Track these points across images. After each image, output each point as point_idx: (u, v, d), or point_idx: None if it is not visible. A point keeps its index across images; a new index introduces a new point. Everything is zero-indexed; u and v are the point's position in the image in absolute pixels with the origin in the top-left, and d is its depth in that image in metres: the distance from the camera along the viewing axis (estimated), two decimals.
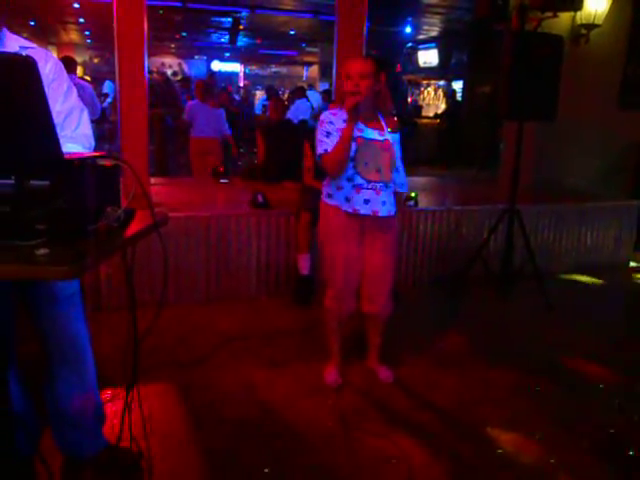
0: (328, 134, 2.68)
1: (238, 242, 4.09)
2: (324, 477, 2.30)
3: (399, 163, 2.84)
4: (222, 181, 5.55)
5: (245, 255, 4.13)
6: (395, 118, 2.88)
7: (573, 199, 5.32)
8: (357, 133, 2.64)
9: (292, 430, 2.59)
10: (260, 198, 4.22)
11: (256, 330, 3.65)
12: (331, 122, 2.71)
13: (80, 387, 2.08)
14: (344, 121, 2.67)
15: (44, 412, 2.12)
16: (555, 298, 4.23)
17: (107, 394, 2.67)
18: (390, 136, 2.75)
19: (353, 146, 2.63)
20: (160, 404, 2.71)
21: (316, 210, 3.76)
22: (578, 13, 5.52)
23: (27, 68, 1.11)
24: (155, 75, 11.71)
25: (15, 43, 1.78)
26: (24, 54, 1.14)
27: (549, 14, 5.24)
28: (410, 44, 14.20)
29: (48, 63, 1.81)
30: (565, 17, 5.50)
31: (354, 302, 2.88)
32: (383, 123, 2.76)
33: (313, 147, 4.19)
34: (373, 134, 2.70)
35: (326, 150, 2.66)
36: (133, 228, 1.41)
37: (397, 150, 2.81)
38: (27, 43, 1.83)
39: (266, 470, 2.28)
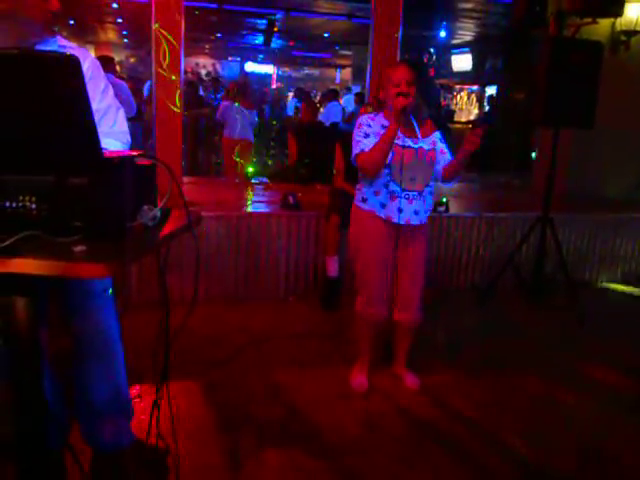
0: (366, 135, 2.68)
1: (268, 243, 4.10)
2: None
3: (446, 153, 2.80)
4: (254, 181, 5.58)
5: (274, 256, 4.14)
6: (429, 121, 2.85)
7: (608, 209, 5.21)
8: (396, 141, 2.62)
9: (317, 433, 2.58)
10: (291, 199, 4.23)
11: (283, 331, 3.66)
12: (369, 125, 2.70)
13: (110, 382, 2.11)
14: (382, 127, 2.66)
15: (73, 406, 2.15)
16: (587, 308, 4.15)
17: (135, 390, 2.70)
18: (423, 143, 2.72)
19: (390, 154, 2.62)
20: (187, 402, 2.73)
21: (345, 213, 3.75)
22: (618, 19, 5.42)
23: (71, 66, 1.13)
24: (189, 75, 11.84)
25: (55, 43, 1.81)
26: (67, 53, 1.15)
27: (588, 20, 5.16)
28: (444, 48, 14.10)
29: (86, 62, 1.84)
30: (605, 23, 5.40)
31: (385, 308, 2.86)
32: (417, 131, 2.73)
33: (344, 149, 4.21)
34: (408, 142, 2.68)
35: (363, 150, 2.65)
36: (168, 227, 1.42)
37: (438, 146, 2.77)
38: (66, 42, 1.86)
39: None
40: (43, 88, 1.19)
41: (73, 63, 1.13)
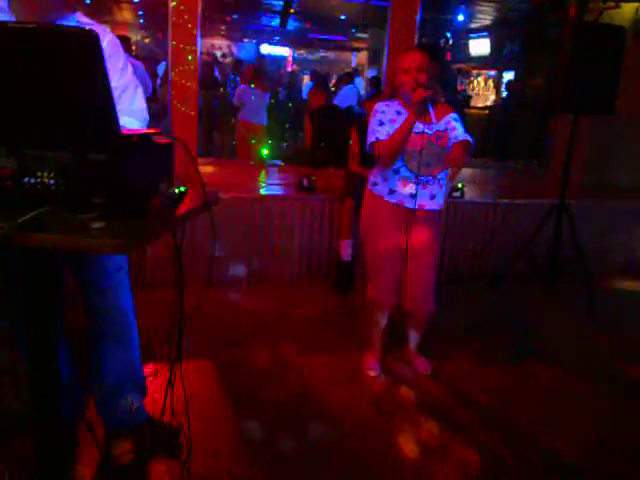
0: (381, 123, 2.63)
1: (282, 225, 4.10)
2: (359, 463, 2.30)
3: (462, 131, 2.66)
4: (271, 163, 5.56)
5: (288, 238, 4.14)
6: (445, 105, 2.78)
7: (626, 197, 5.14)
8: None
9: (328, 415, 2.59)
10: (306, 182, 4.22)
11: (296, 314, 3.66)
12: (384, 112, 2.66)
13: (124, 360, 2.13)
14: (397, 112, 2.63)
15: (88, 382, 2.17)
16: (602, 299, 4.11)
17: (149, 368, 2.72)
18: (438, 126, 2.66)
19: None
20: (199, 382, 2.75)
21: (360, 196, 3.73)
22: None
23: (90, 42, 1.12)
24: (205, 57, 11.77)
25: (75, 19, 1.80)
26: (87, 28, 1.15)
27: (611, 4, 5.06)
28: (461, 32, 13.92)
29: (105, 39, 1.83)
30: (628, 8, 5.29)
31: (396, 295, 2.83)
32: (432, 116, 2.66)
33: (359, 133, 4.18)
34: (423, 128, 2.62)
35: (378, 138, 2.61)
36: (185, 207, 1.42)
37: (454, 126, 2.65)
38: (87, 20, 1.86)
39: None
40: (62, 63, 1.18)
41: (92, 38, 1.12)
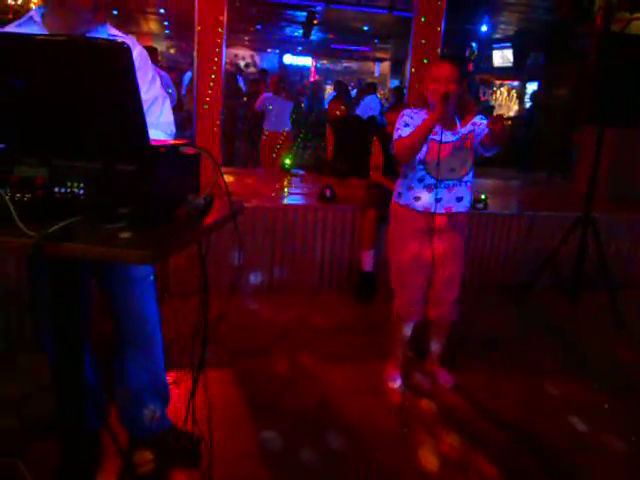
0: (406, 125, 2.64)
1: (304, 235, 4.11)
2: (379, 474, 2.28)
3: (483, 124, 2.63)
4: (294, 172, 5.58)
5: (310, 248, 4.14)
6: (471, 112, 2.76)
7: None
8: (433, 136, 2.57)
9: (349, 425, 2.58)
10: (328, 192, 4.22)
11: (317, 324, 3.66)
12: (411, 117, 2.67)
13: (148, 367, 2.14)
14: (423, 121, 2.63)
15: (111, 389, 2.19)
16: (628, 312, 4.04)
17: (171, 376, 2.73)
18: (465, 129, 2.65)
19: (424, 148, 2.57)
20: (220, 391, 2.76)
21: (381, 207, 3.73)
22: None
23: (122, 54, 1.14)
24: (228, 67, 11.89)
25: (106, 32, 1.84)
26: (119, 40, 1.16)
27: (638, 15, 5.01)
28: (484, 43, 13.88)
29: (134, 52, 1.86)
30: None
31: (422, 308, 2.82)
32: (458, 124, 2.67)
33: (382, 143, 4.19)
34: (448, 137, 2.63)
35: (400, 136, 2.62)
36: (211, 217, 1.43)
37: (479, 129, 2.62)
38: (116, 32, 1.89)
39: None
40: (94, 75, 1.20)
41: (124, 50, 1.14)
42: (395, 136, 2.66)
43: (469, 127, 2.67)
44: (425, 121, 2.53)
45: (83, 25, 1.75)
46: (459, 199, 2.69)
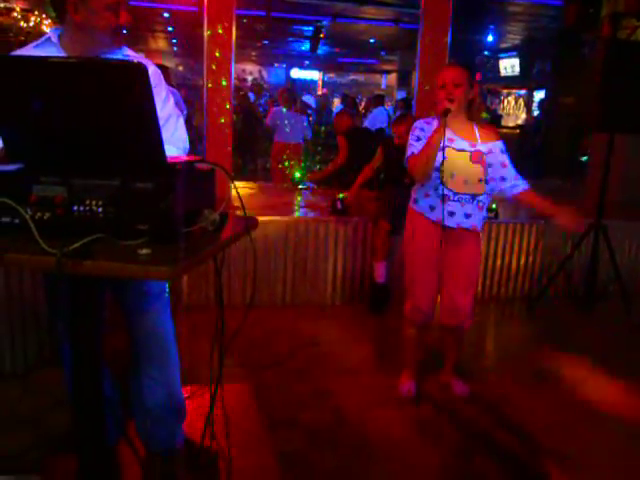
0: (418, 139, 2.65)
1: (316, 247, 4.12)
2: None
3: (509, 167, 2.72)
4: (306, 185, 5.60)
5: (322, 261, 4.16)
6: (490, 126, 2.78)
7: None
8: (447, 143, 2.56)
9: (365, 439, 2.57)
10: (339, 204, 4.24)
11: (331, 336, 3.66)
12: (422, 129, 2.68)
13: (164, 382, 2.15)
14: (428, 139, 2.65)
15: (128, 404, 2.20)
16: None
17: (187, 391, 2.74)
18: (483, 147, 2.65)
19: (440, 156, 2.55)
20: (236, 405, 2.76)
21: (394, 219, 3.75)
22: None
23: (139, 74, 1.17)
24: (237, 82, 12.02)
25: (120, 52, 1.87)
26: (136, 61, 1.19)
27: None
28: (491, 52, 13.92)
29: (149, 70, 1.89)
30: None
31: (433, 313, 2.82)
32: (476, 134, 2.68)
33: (385, 153, 4.23)
34: (463, 144, 2.63)
35: (413, 152, 2.63)
36: (227, 231, 1.45)
37: (499, 158, 2.68)
38: (131, 52, 1.92)
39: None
40: (111, 95, 1.23)
41: (141, 71, 1.17)
42: (408, 152, 2.67)
43: (487, 148, 2.67)
44: (429, 140, 2.54)
45: (100, 47, 1.78)
46: (467, 215, 2.67)
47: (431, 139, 2.54)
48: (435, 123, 2.66)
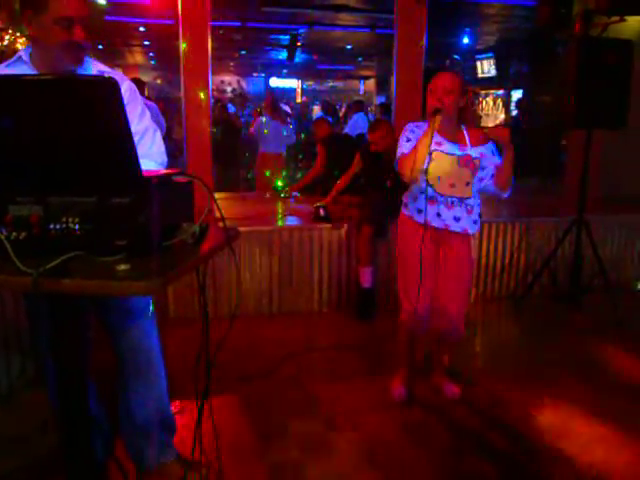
0: (408, 140, 2.66)
1: (301, 255, 4.12)
2: None
3: (490, 171, 2.69)
4: (285, 195, 5.60)
5: (307, 268, 4.15)
6: (479, 130, 2.78)
7: None
8: (435, 147, 2.58)
9: (358, 444, 2.56)
10: (322, 212, 4.25)
11: (319, 344, 3.66)
12: (412, 131, 2.69)
13: (152, 399, 2.13)
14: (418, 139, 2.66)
15: (116, 422, 2.18)
16: (626, 312, 4.04)
17: (176, 405, 2.72)
18: (474, 151, 2.65)
19: (427, 159, 2.54)
20: (226, 417, 2.74)
21: (377, 223, 3.76)
22: None
23: (110, 89, 1.16)
24: (215, 93, 12.03)
25: (94, 68, 1.86)
26: (106, 76, 1.18)
27: (615, 18, 5.07)
28: (467, 54, 14.04)
29: (123, 86, 1.88)
30: (633, 20, 5.30)
31: (427, 316, 2.81)
32: (466, 138, 2.68)
33: (363, 160, 4.26)
34: (453, 149, 2.64)
35: (403, 153, 2.64)
36: (207, 244, 1.44)
37: (490, 160, 2.67)
38: (105, 68, 1.91)
39: None
40: (83, 111, 1.22)
41: (112, 85, 1.16)
42: (398, 153, 2.68)
43: (477, 152, 2.67)
44: (419, 140, 2.55)
45: (62, 63, 1.76)
46: (457, 219, 2.68)
47: (419, 140, 2.55)
48: (425, 126, 2.68)
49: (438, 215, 2.67)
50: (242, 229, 3.98)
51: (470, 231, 2.72)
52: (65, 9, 1.66)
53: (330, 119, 8.21)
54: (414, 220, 2.74)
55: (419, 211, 2.71)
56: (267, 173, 6.82)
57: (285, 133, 7.29)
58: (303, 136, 10.48)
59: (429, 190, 2.63)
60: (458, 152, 2.65)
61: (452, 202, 2.66)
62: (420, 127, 2.70)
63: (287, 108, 13.16)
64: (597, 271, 4.17)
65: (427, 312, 2.79)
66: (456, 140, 2.66)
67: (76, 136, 1.24)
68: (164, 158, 2.00)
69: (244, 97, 13.14)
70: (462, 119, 2.68)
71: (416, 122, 2.78)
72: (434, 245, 2.74)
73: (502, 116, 14.53)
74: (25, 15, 1.70)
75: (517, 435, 2.66)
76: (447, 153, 2.63)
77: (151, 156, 1.90)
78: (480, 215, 2.77)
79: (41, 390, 2.06)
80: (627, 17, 5.03)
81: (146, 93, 7.10)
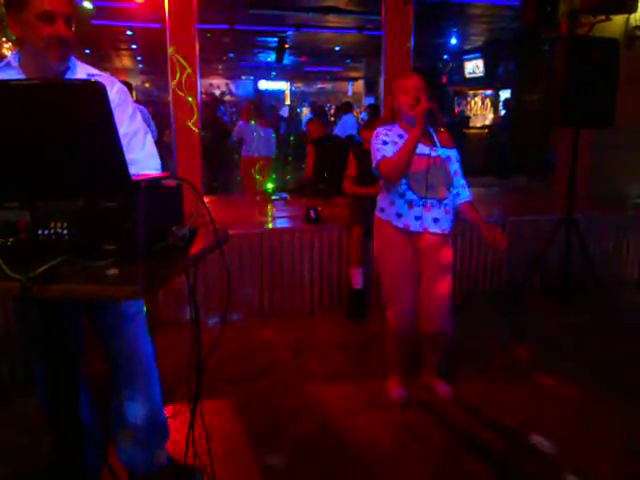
0: (385, 142, 2.66)
1: (291, 258, 4.11)
2: None
3: (459, 176, 2.78)
4: (275, 197, 5.60)
5: (298, 270, 4.15)
6: (447, 133, 2.80)
7: (633, 208, 5.13)
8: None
9: (352, 447, 2.56)
10: (313, 214, 4.24)
11: (311, 345, 3.65)
12: (386, 134, 2.69)
13: (145, 405, 2.11)
14: (399, 136, 2.66)
15: (109, 428, 2.16)
16: (617, 310, 4.07)
17: (168, 410, 2.71)
18: (442, 152, 2.68)
19: None
20: (219, 420, 2.73)
21: (367, 224, 3.74)
22: (632, 15, 5.36)
23: (97, 93, 1.15)
24: (204, 97, 11.99)
25: (83, 71, 1.85)
26: (94, 80, 1.18)
27: (601, 17, 5.12)
28: (455, 55, 14.10)
29: (114, 88, 1.88)
30: (618, 20, 5.35)
31: (414, 319, 2.81)
32: (435, 139, 2.69)
33: (357, 158, 4.24)
34: (425, 150, 2.65)
35: (384, 156, 2.63)
36: (197, 247, 1.43)
37: (453, 166, 2.73)
38: (94, 71, 1.91)
39: None
40: (71, 115, 1.21)
41: (99, 89, 1.15)
42: (378, 156, 2.66)
43: (448, 153, 2.71)
44: (410, 139, 2.54)
45: (51, 64, 1.75)
46: (435, 220, 2.69)
47: (409, 139, 2.55)
48: (396, 128, 2.68)
49: (417, 218, 2.67)
50: (232, 232, 3.99)
51: (447, 231, 2.74)
52: (45, 3, 1.67)
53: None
54: (393, 225, 2.73)
55: (398, 215, 2.71)
56: (257, 176, 6.82)
57: (263, 134, 7.29)
58: (292, 138, 10.48)
59: (409, 193, 2.65)
60: (430, 153, 2.65)
61: (431, 204, 2.67)
62: (392, 130, 2.71)
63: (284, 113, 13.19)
64: (586, 269, 4.19)
65: (413, 316, 2.79)
66: (427, 142, 2.67)
67: (63, 140, 1.24)
68: (157, 160, 1.99)
69: (227, 101, 13.11)
70: (433, 119, 2.67)
71: (385, 126, 2.77)
72: (413, 248, 2.74)
73: (491, 116, 14.61)
74: (9, 16, 1.69)
75: (511, 435, 2.67)
76: (420, 154, 2.62)
77: (143, 159, 1.89)
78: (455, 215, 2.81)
79: (31, 398, 2.04)
80: (613, 16, 5.09)
81: (134, 97, 7.07)
